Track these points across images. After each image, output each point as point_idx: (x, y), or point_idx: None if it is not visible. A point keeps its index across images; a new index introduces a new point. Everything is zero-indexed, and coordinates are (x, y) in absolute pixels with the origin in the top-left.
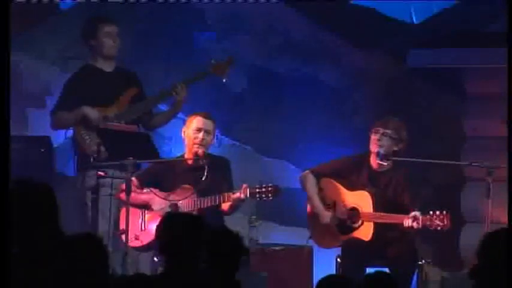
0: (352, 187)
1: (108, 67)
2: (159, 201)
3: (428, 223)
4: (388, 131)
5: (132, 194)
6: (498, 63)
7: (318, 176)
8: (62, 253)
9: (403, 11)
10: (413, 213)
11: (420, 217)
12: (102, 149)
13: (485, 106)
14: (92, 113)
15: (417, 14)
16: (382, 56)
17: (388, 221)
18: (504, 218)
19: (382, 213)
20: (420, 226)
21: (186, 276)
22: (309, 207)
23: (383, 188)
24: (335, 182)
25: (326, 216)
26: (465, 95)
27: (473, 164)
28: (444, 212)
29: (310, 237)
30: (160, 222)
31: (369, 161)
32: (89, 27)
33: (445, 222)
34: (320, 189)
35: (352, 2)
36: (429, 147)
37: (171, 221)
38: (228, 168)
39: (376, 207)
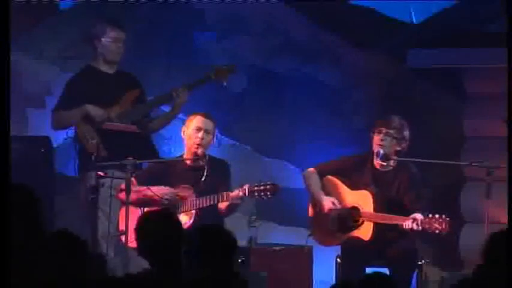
0: (354, 186)
1: (110, 69)
2: (157, 201)
3: (427, 226)
4: (391, 131)
5: (132, 194)
6: (498, 63)
7: (321, 174)
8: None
9: (403, 11)
10: (413, 215)
11: (420, 219)
12: (102, 147)
13: (485, 106)
14: (95, 110)
15: (417, 14)
16: (382, 56)
17: (388, 221)
18: (504, 218)
19: (382, 214)
20: (420, 228)
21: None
22: (311, 206)
23: (386, 187)
24: (338, 181)
25: (328, 201)
26: (465, 95)
27: (473, 164)
28: (444, 216)
29: (310, 235)
30: (136, 224)
31: (372, 160)
32: (96, 29)
33: (444, 226)
34: (323, 187)
35: (352, 2)
36: (429, 147)
37: (142, 221)
38: (227, 170)
39: (377, 207)
